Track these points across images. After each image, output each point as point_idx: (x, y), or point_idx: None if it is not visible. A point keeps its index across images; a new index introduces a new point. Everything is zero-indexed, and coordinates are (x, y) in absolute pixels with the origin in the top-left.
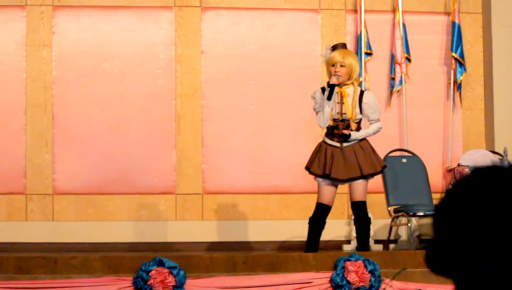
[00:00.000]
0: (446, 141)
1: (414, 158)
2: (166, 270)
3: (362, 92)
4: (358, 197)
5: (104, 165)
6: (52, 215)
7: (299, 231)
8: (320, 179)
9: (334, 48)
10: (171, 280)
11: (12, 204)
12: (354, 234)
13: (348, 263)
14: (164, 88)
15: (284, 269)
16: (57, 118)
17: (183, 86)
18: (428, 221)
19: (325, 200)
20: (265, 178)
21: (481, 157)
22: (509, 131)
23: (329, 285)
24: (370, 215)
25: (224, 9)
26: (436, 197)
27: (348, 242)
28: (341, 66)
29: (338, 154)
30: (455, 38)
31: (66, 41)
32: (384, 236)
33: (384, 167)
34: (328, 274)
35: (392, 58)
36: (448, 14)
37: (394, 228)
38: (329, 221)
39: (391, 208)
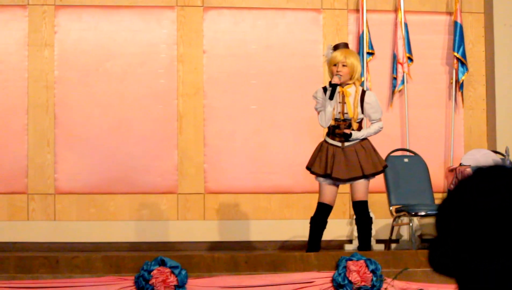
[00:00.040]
0: (448, 141)
1: (416, 158)
2: (168, 270)
3: (363, 92)
4: (360, 196)
5: (106, 164)
6: (54, 215)
7: (301, 231)
8: (321, 179)
9: (336, 47)
10: (172, 280)
11: (14, 204)
12: (355, 233)
13: (349, 262)
14: (166, 88)
15: (286, 269)
16: (59, 117)
17: (185, 85)
18: (430, 220)
19: (327, 199)
20: (266, 177)
21: (483, 157)
22: (511, 131)
23: (330, 284)
24: (371, 214)
25: (226, 9)
26: (438, 197)
27: (350, 241)
28: (343, 65)
29: (339, 154)
30: (457, 38)
31: (68, 41)
32: (385, 236)
33: (385, 166)
34: (330, 274)
35: (394, 58)
36: (450, 13)
37: (395, 228)
38: (331, 221)
39: (392, 208)
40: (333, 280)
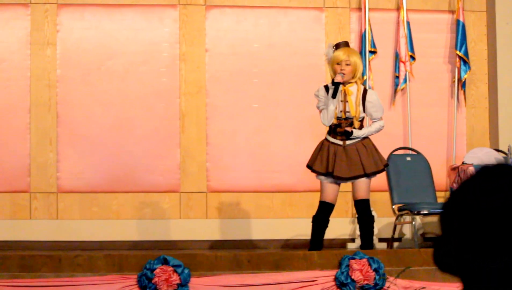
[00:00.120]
0: (450, 140)
1: (418, 157)
2: (171, 269)
3: (365, 90)
4: (361, 195)
5: (108, 163)
6: (56, 213)
7: (303, 229)
8: (322, 177)
9: (336, 46)
10: (175, 279)
11: (16, 202)
12: (358, 232)
13: (352, 261)
14: (168, 86)
15: (289, 268)
16: (61, 116)
17: (187, 84)
18: (432, 219)
19: (328, 198)
20: (269, 176)
21: (485, 156)
22: None
23: (333, 283)
24: (374, 213)
25: (229, 7)
26: (440, 196)
27: (353, 240)
28: (347, 64)
29: (341, 152)
30: (459, 36)
31: (70, 40)
32: (388, 235)
33: (386, 165)
34: (333, 273)
35: (397, 56)
36: (452, 12)
37: (398, 227)
38: (333, 220)
39: (395, 207)
40: (336, 279)
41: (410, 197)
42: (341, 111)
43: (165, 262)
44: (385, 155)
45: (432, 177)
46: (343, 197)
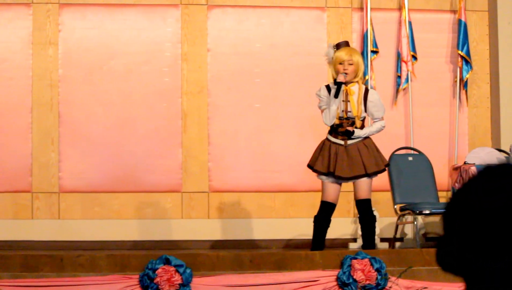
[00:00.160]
0: (452, 139)
1: (420, 156)
2: (173, 268)
3: (367, 90)
4: (363, 195)
5: (110, 163)
6: (58, 213)
7: (305, 229)
8: (324, 177)
9: (337, 46)
10: (177, 278)
11: (18, 202)
12: (360, 232)
13: (354, 261)
14: (170, 86)
15: (291, 267)
16: (63, 116)
17: (189, 84)
18: (434, 219)
19: (330, 198)
20: (271, 176)
21: (487, 155)
22: None
23: (335, 283)
24: (375, 213)
25: (230, 7)
26: (442, 195)
27: (354, 240)
28: (349, 64)
29: (342, 152)
30: (461, 36)
31: (72, 39)
32: (390, 234)
33: (387, 165)
34: (335, 272)
35: (398, 56)
36: (454, 12)
37: (400, 226)
38: (335, 219)
39: (397, 206)
40: (338, 279)
41: (412, 197)
42: (342, 111)
43: (167, 262)
44: (387, 155)
45: (434, 177)
46: (344, 197)
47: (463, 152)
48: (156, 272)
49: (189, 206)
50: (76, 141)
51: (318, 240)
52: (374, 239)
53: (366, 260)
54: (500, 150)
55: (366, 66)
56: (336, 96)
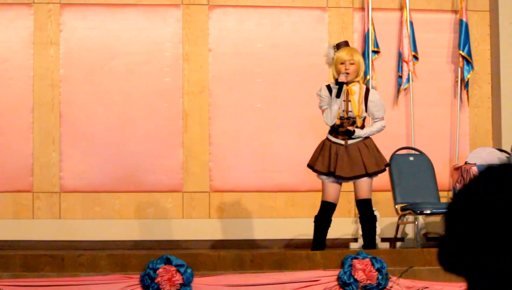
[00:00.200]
0: (453, 139)
1: (421, 156)
2: (174, 268)
3: (367, 90)
4: (363, 195)
5: (111, 163)
6: (59, 213)
7: (306, 229)
8: (324, 177)
9: (337, 46)
10: (178, 278)
11: (19, 202)
12: (361, 232)
13: (355, 261)
14: (171, 86)
15: (292, 267)
16: (64, 116)
17: (190, 84)
18: (435, 219)
19: (330, 198)
20: (272, 176)
21: (488, 155)
22: None
23: (336, 283)
24: (376, 213)
25: (232, 7)
26: (443, 195)
27: (355, 240)
28: (351, 63)
29: (342, 152)
30: (462, 36)
31: (73, 39)
32: (391, 234)
33: (387, 165)
34: (336, 272)
35: (400, 56)
36: (455, 12)
37: (401, 226)
38: (336, 219)
39: (398, 206)
40: (339, 279)
41: (413, 197)
42: (343, 111)
43: (168, 261)
44: (388, 155)
45: (435, 177)
46: (345, 197)
47: (464, 152)
48: (157, 272)
49: (190, 206)
50: (77, 141)
51: (319, 240)
52: (374, 239)
53: (367, 260)
54: (501, 150)
55: (367, 66)
56: (338, 96)
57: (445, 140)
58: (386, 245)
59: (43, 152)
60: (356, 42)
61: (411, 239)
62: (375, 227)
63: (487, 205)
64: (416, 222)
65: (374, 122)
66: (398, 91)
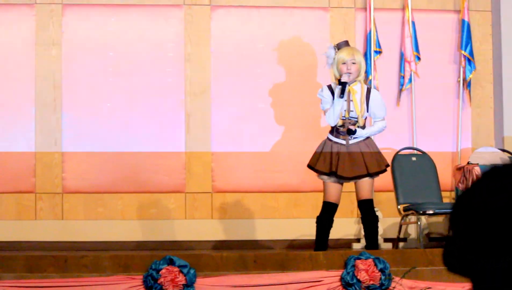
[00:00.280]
0: (456, 139)
1: (423, 157)
2: (177, 269)
3: (369, 90)
4: (365, 195)
5: (113, 163)
6: (61, 214)
7: (309, 230)
8: (325, 177)
9: (338, 46)
10: (181, 279)
11: (21, 203)
12: (363, 232)
13: (358, 261)
14: (174, 87)
15: (295, 268)
16: (67, 117)
17: (193, 84)
18: (437, 219)
19: (332, 198)
20: (274, 176)
21: (491, 156)
22: None
23: (339, 283)
24: (378, 213)
25: (234, 8)
26: (446, 195)
27: (358, 240)
28: (353, 63)
29: (343, 152)
30: (464, 36)
31: (75, 40)
32: (393, 235)
33: (387, 166)
34: (338, 273)
35: (402, 56)
36: (457, 12)
37: (403, 227)
38: (339, 220)
39: (400, 207)
40: (342, 279)
41: (416, 197)
42: (345, 110)
43: (171, 262)
44: (390, 155)
45: (437, 177)
46: (348, 197)
47: (467, 152)
48: (160, 272)
49: (192, 206)
50: (80, 142)
51: (321, 240)
52: (377, 239)
53: (370, 260)
54: (503, 150)
55: (369, 66)
56: (341, 96)
57: (447, 140)
58: (388, 245)
59: (45, 153)
60: (358, 42)
61: (413, 240)
62: (377, 227)
63: (488, 205)
64: (419, 222)
65: (375, 122)
66: (400, 91)
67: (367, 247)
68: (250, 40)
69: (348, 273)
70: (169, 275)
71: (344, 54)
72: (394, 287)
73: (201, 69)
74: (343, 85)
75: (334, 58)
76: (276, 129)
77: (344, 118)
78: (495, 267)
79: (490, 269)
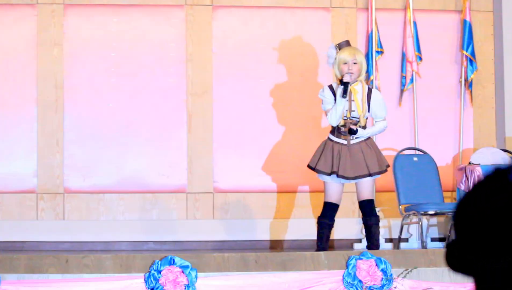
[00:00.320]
0: (457, 140)
1: (425, 157)
2: (178, 269)
3: (370, 90)
4: (366, 195)
5: (115, 164)
6: (63, 214)
7: (310, 230)
8: (326, 177)
9: (339, 46)
10: (182, 279)
11: (23, 203)
12: (364, 232)
13: (359, 261)
14: (175, 87)
15: (296, 268)
16: (68, 117)
17: (194, 84)
18: (439, 219)
19: (333, 198)
20: (275, 176)
21: (492, 156)
22: None
23: (340, 284)
24: (380, 213)
25: (235, 8)
26: (447, 196)
27: (359, 241)
28: (354, 63)
29: (345, 152)
30: (466, 36)
31: (77, 40)
32: (395, 235)
33: (388, 166)
34: (340, 273)
35: (403, 56)
36: (459, 12)
37: (405, 227)
38: (340, 220)
39: (402, 207)
40: (343, 279)
41: (417, 197)
42: (346, 110)
43: (172, 262)
44: (391, 155)
45: (439, 177)
46: (349, 197)
47: (468, 153)
48: (161, 273)
49: (194, 206)
50: (81, 142)
51: (323, 241)
52: (378, 240)
53: (372, 260)
54: (505, 151)
55: (371, 66)
56: (344, 96)
57: (449, 140)
58: (390, 245)
59: (47, 153)
60: (359, 42)
61: (415, 240)
62: (378, 227)
63: (489, 205)
64: (420, 223)
65: (376, 122)
66: (402, 91)
67: (368, 247)
68: (251, 40)
69: (349, 273)
70: (170, 275)
71: (345, 54)
72: (395, 288)
73: (203, 69)
74: (345, 85)
75: (335, 58)
76: (277, 129)
77: (346, 118)
78: (494, 267)
79: (491, 269)
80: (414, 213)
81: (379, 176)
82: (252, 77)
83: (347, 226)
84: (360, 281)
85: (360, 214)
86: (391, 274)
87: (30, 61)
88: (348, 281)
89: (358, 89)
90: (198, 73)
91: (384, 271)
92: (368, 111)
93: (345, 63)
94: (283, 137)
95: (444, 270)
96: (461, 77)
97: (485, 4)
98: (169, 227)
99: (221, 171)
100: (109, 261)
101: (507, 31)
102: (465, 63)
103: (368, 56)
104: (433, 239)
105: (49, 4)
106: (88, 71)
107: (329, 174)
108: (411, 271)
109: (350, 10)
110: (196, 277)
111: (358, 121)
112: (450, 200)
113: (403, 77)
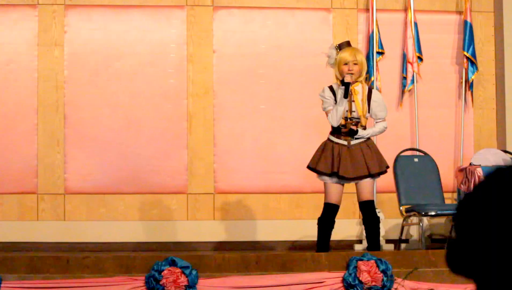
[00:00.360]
0: (458, 141)
1: (425, 158)
2: (179, 270)
3: (370, 90)
4: (366, 196)
5: (115, 164)
6: (63, 215)
7: (311, 231)
8: (327, 178)
9: (340, 47)
10: (183, 280)
11: (23, 204)
12: (365, 233)
13: (360, 262)
14: (176, 88)
15: (297, 269)
16: (69, 117)
17: (195, 85)
18: (439, 220)
19: (333, 199)
20: (276, 177)
21: (493, 157)
22: None
23: (341, 284)
24: (380, 214)
25: (236, 8)
26: (448, 197)
27: (360, 242)
28: (354, 64)
29: (345, 152)
30: (467, 37)
31: (78, 41)
32: (395, 236)
33: (387, 167)
34: (341, 274)
35: (404, 57)
36: (460, 13)
37: (405, 228)
38: (341, 221)
39: (402, 208)
40: (344, 280)
41: (418, 198)
42: (347, 111)
43: (173, 263)
44: (392, 156)
45: (439, 178)
46: (350, 198)
47: (469, 153)
48: (162, 273)
49: (194, 207)
50: (82, 143)
51: (323, 242)
52: (379, 241)
53: (372, 261)
54: (505, 151)
55: (371, 67)
56: (345, 96)
57: (449, 141)
58: (390, 246)
59: (47, 154)
60: (360, 43)
61: (415, 241)
62: (379, 228)
63: (490, 206)
64: (421, 224)
65: (377, 122)
66: (403, 92)
67: (369, 248)
68: (252, 41)
69: (350, 274)
70: (171, 276)
71: (346, 55)
72: (396, 289)
73: (204, 70)
74: (346, 85)
75: (335, 58)
76: (277, 130)
77: (346, 118)
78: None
79: (491, 270)
80: (414, 214)
81: (379, 177)
82: (252, 78)
83: (348, 227)
84: (361, 282)
85: (361, 215)
86: (392, 275)
87: (31, 62)
88: (349, 282)
89: (358, 90)
90: (199, 74)
91: (384, 272)
92: (368, 112)
93: (346, 64)
94: (284, 138)
95: (445, 271)
96: (461, 78)
97: (486, 5)
98: (169, 228)
99: (222, 172)
100: (110, 262)
101: (508, 32)
102: (465, 64)
103: (368, 57)
104: (433, 240)
105: (50, 5)
106: (88, 72)
107: (330, 175)
108: (411, 272)
109: (351, 10)
110: (196, 277)
111: (359, 122)
112: (450, 201)
113: (403, 78)
